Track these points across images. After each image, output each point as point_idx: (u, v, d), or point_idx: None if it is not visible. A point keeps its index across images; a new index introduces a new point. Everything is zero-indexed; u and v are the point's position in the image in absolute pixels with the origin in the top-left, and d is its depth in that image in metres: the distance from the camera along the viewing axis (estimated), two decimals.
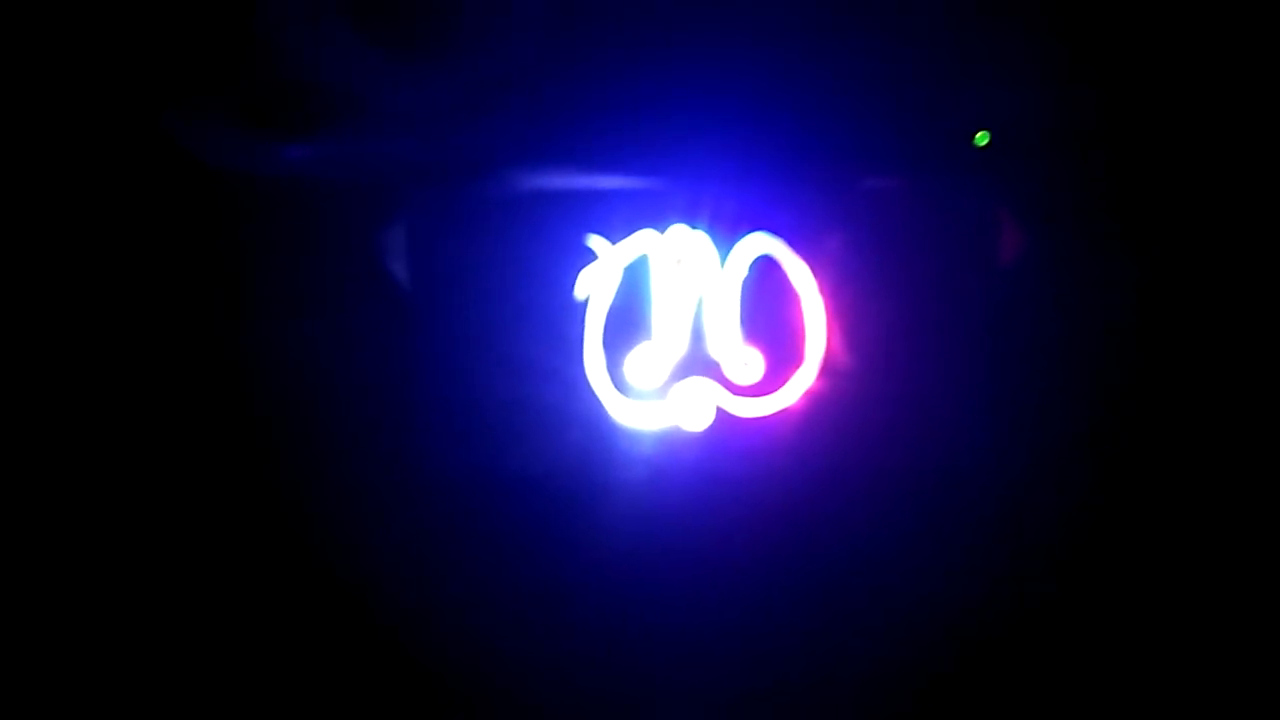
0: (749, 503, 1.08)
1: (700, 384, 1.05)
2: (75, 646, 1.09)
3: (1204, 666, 1.05)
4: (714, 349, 1.05)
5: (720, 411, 1.06)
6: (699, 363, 1.05)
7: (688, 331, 1.05)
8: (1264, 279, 1.05)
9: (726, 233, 1.04)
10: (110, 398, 1.09)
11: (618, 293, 1.05)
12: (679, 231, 1.04)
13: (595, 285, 1.05)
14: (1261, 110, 1.03)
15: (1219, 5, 1.01)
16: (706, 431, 1.06)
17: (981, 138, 1.05)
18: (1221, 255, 1.04)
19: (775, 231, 1.04)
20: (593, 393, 1.06)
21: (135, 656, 1.09)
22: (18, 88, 1.06)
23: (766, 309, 1.05)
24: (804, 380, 1.05)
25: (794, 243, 1.04)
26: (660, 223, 1.04)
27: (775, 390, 1.06)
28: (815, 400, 1.05)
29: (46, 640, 1.08)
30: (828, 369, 1.05)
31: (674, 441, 1.07)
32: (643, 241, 1.05)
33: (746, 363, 1.05)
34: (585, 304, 1.05)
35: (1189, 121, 1.03)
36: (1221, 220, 1.04)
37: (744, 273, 1.04)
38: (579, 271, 1.05)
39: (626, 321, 1.05)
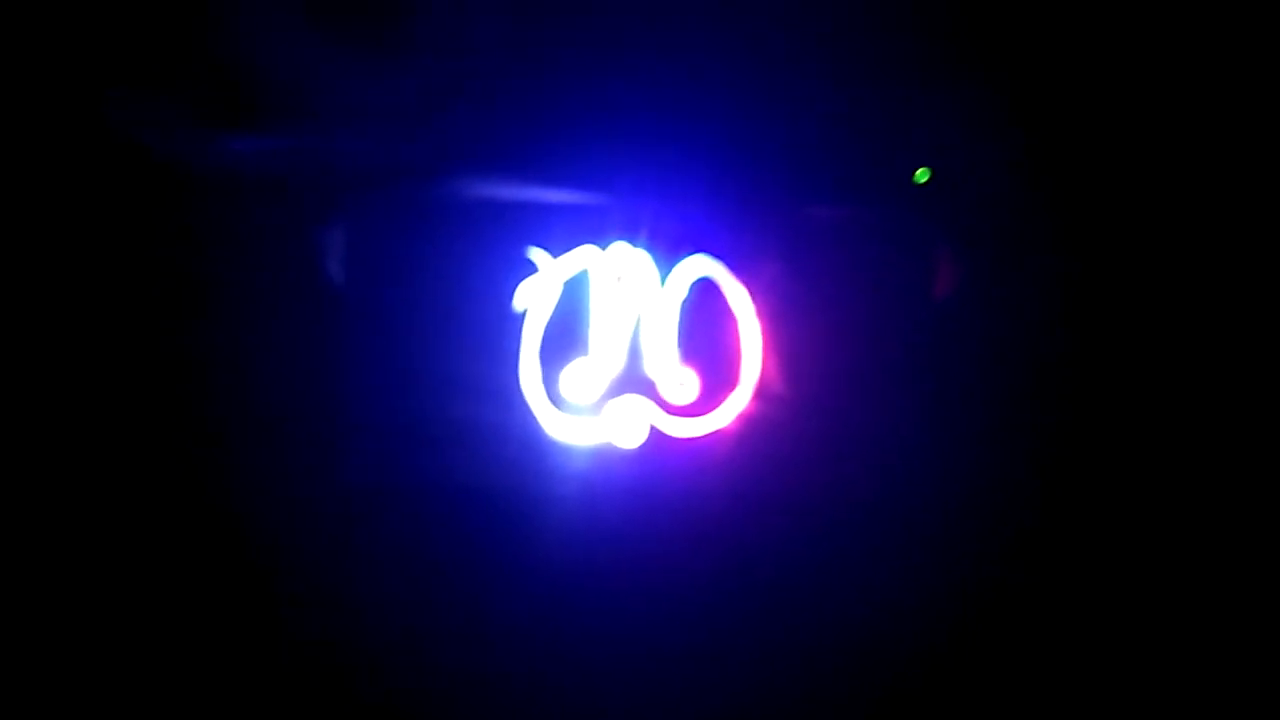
0: (680, 521, 1.08)
1: (635, 402, 1.06)
2: None
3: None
4: (650, 368, 1.05)
5: (654, 430, 1.06)
6: (634, 381, 1.06)
7: (625, 349, 1.05)
8: (1197, 314, 1.08)
9: (668, 253, 1.05)
10: (33, 387, 1.05)
11: (557, 306, 1.05)
12: (621, 249, 1.04)
13: (534, 298, 1.05)
14: (1192, 151, 1.06)
15: (1154, 50, 1.04)
16: (639, 449, 1.07)
17: (922, 175, 1.07)
18: (1154, 292, 1.08)
19: (716, 254, 1.05)
20: (527, 406, 1.06)
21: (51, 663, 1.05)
22: None
23: (704, 330, 1.05)
24: (738, 403, 1.06)
25: (734, 266, 1.05)
26: (602, 239, 1.04)
27: (709, 411, 1.06)
28: (748, 423, 1.06)
29: None
30: (762, 392, 1.06)
31: (607, 458, 1.07)
32: (584, 257, 1.04)
33: (682, 383, 1.05)
34: (523, 316, 1.05)
35: (1123, 161, 1.07)
36: (1154, 258, 1.07)
37: (683, 293, 1.05)
38: (519, 283, 1.05)
39: (564, 336, 1.05)
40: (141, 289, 1.06)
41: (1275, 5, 1.03)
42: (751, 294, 1.05)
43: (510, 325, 1.05)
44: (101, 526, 1.06)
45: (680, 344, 1.05)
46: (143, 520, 1.07)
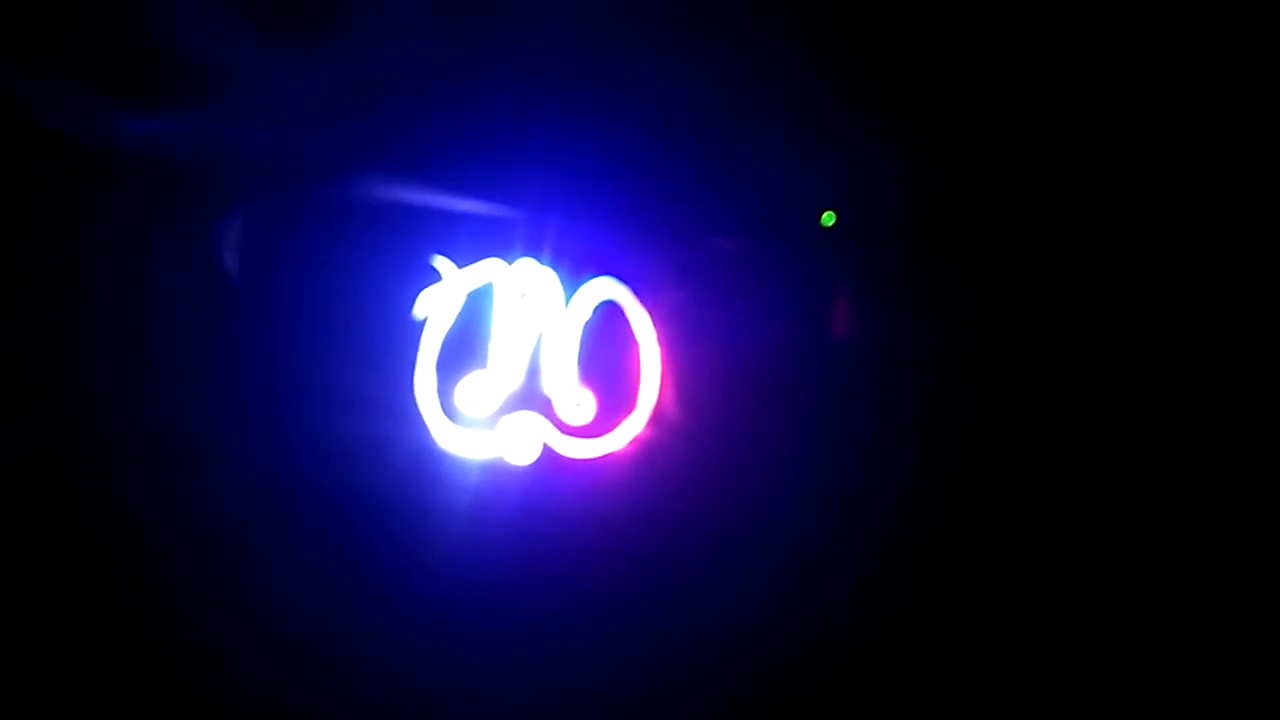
0: (567, 541, 1.08)
1: (530, 419, 1.05)
2: None
3: None
4: (548, 386, 1.05)
5: (547, 449, 1.06)
6: (531, 398, 1.05)
7: (524, 365, 1.05)
8: (1105, 357, 1.12)
9: (574, 272, 1.05)
10: None
11: (458, 317, 1.04)
12: (527, 265, 1.04)
13: (436, 306, 1.03)
14: (1104, 191, 1.11)
15: (1064, 85, 1.08)
16: (531, 467, 1.06)
17: (828, 218, 1.10)
18: (1057, 338, 1.12)
19: (622, 278, 1.05)
20: (420, 415, 1.04)
21: None
22: None
23: (604, 353, 1.05)
24: (633, 427, 1.06)
25: (639, 291, 1.05)
26: (510, 254, 1.04)
27: (604, 434, 1.06)
28: (642, 448, 1.07)
29: None
30: (658, 419, 1.07)
31: (498, 473, 1.06)
32: (490, 269, 1.04)
33: (578, 403, 1.05)
34: (423, 324, 1.03)
35: (1028, 206, 1.11)
36: (1058, 305, 1.11)
37: (586, 315, 1.05)
38: (421, 290, 1.03)
39: (463, 347, 1.04)
40: (16, 272, 1.02)
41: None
42: (654, 320, 1.05)
43: (409, 333, 1.03)
44: None
45: (580, 364, 1.05)
46: (23, 517, 1.02)
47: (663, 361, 1.06)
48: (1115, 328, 1.12)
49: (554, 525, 1.08)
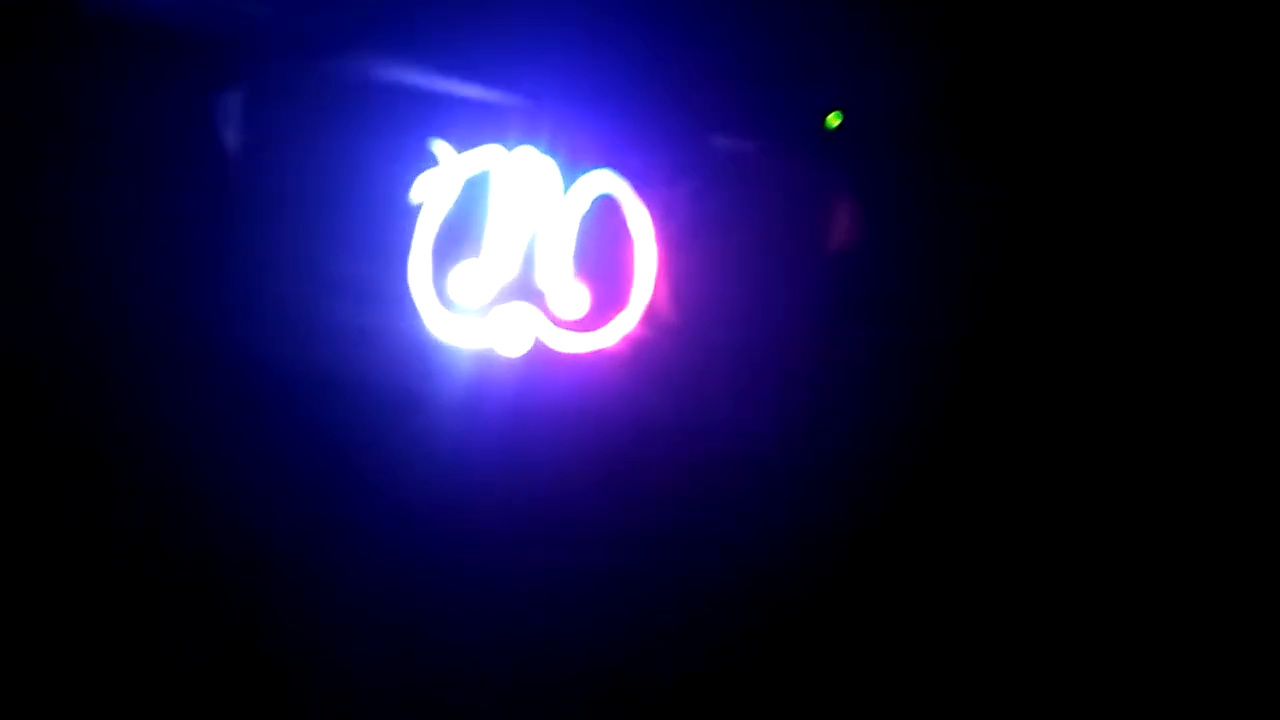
0: (554, 435, 1.08)
1: (523, 310, 1.05)
2: None
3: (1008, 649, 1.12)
4: (542, 278, 1.04)
5: (538, 342, 1.06)
6: (525, 289, 1.04)
7: (519, 256, 1.04)
8: (1113, 271, 1.11)
9: (573, 163, 1.03)
10: None
11: (454, 204, 1.03)
12: (527, 153, 1.02)
13: (432, 192, 1.02)
14: (1117, 96, 1.08)
15: None
16: (522, 359, 1.06)
17: (834, 119, 1.08)
18: (1065, 248, 1.10)
19: (622, 172, 1.03)
20: (413, 301, 1.04)
21: None
22: None
23: (600, 247, 1.04)
24: (625, 324, 1.06)
25: (638, 187, 1.04)
26: (509, 140, 1.02)
27: (595, 329, 1.06)
28: (633, 345, 1.06)
29: None
30: (650, 317, 1.06)
31: (488, 363, 1.06)
32: (488, 156, 1.02)
33: (572, 297, 1.05)
34: (419, 209, 1.02)
35: (1044, 111, 1.08)
36: (1066, 213, 1.10)
37: (584, 207, 1.04)
38: (418, 175, 1.02)
39: (458, 235, 1.03)
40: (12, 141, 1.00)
41: None
42: (652, 216, 1.04)
43: (405, 217, 1.02)
44: None
45: (575, 258, 1.04)
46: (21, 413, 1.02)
47: (658, 259, 1.05)
48: (1135, 238, 1.10)
49: (543, 419, 1.08)
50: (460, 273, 1.03)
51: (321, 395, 1.06)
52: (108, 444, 1.06)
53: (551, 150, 1.02)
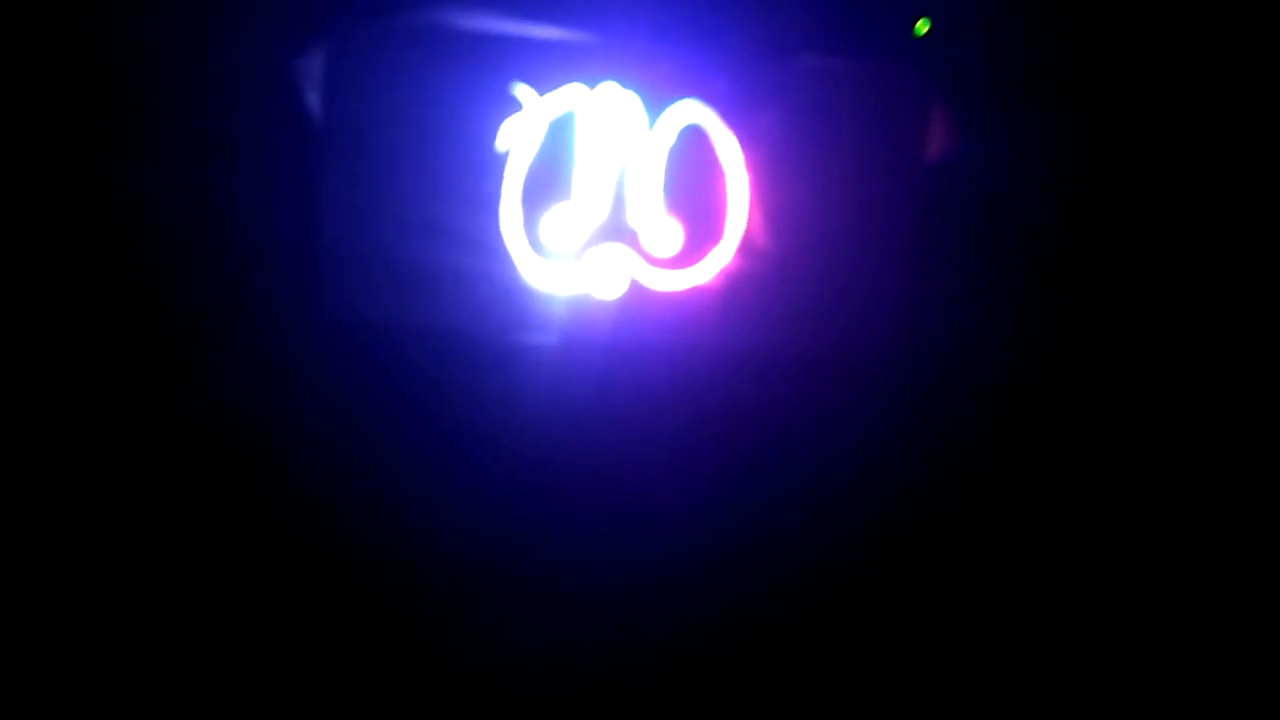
0: (655, 375, 1.07)
1: (617, 251, 1.03)
2: None
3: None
4: (633, 217, 1.03)
5: (634, 282, 1.04)
6: (617, 229, 1.03)
7: (609, 196, 1.02)
8: (1214, 176, 1.06)
9: (657, 96, 1.01)
10: None
11: (540, 148, 1.01)
12: (610, 89, 1.00)
13: (518, 138, 1.01)
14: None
15: None
16: (619, 301, 1.05)
17: (922, 26, 1.03)
18: (1167, 150, 1.05)
19: (708, 100, 1.01)
20: (505, 249, 1.03)
21: None
22: None
23: (691, 180, 1.02)
24: (722, 257, 1.04)
25: (725, 114, 1.01)
26: (591, 78, 1.00)
27: (691, 265, 1.04)
28: (730, 279, 1.04)
29: None
30: (747, 247, 1.04)
31: (585, 308, 1.05)
32: (571, 96, 1.00)
33: (665, 234, 1.03)
34: (505, 156, 1.01)
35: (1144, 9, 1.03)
36: (1167, 115, 1.05)
37: (671, 140, 1.01)
38: (502, 121, 1.00)
39: (547, 179, 1.02)
40: (101, 118, 1.01)
41: None
42: (741, 144, 1.02)
43: (493, 166, 1.01)
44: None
45: (666, 193, 1.02)
46: (112, 384, 1.04)
47: (750, 187, 1.03)
48: (1237, 165, 1.04)
49: (643, 359, 1.07)
50: (551, 217, 1.02)
51: (419, 349, 1.06)
52: (205, 410, 1.07)
53: (634, 84, 1.00)
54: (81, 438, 1.05)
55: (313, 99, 1.00)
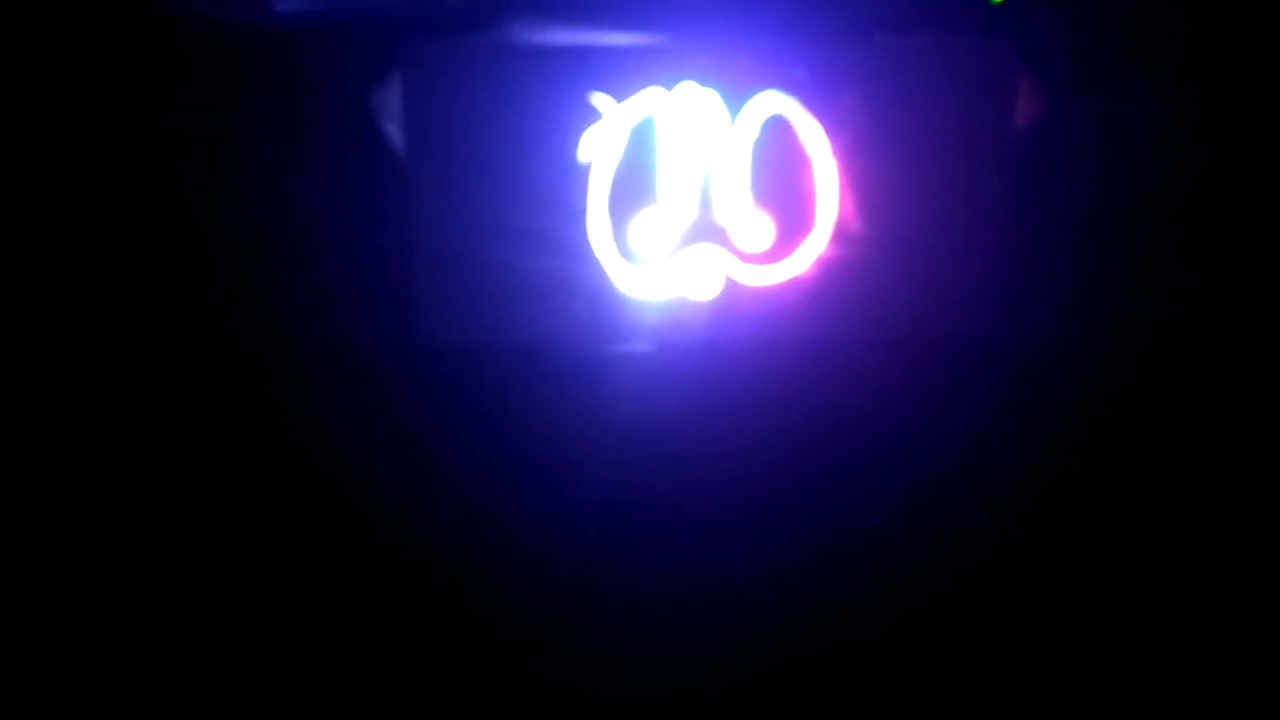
0: (759, 374, 1.06)
1: (708, 251, 1.02)
2: None
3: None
4: (722, 214, 1.01)
5: (729, 280, 1.03)
6: (707, 229, 1.02)
7: (696, 196, 1.01)
8: None
9: (737, 91, 0.99)
10: (80, 267, 1.03)
11: (623, 155, 1.00)
12: (688, 89, 0.99)
13: (599, 147, 1.00)
14: None
15: None
16: (714, 301, 1.03)
17: None
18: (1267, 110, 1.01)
19: (788, 89, 0.99)
20: (596, 260, 1.02)
21: None
22: None
23: (777, 172, 1.01)
24: (816, 246, 1.02)
25: (807, 101, 1.00)
26: (668, 80, 0.99)
27: (785, 257, 1.02)
28: (828, 267, 1.02)
29: None
30: (840, 234, 1.02)
31: (680, 311, 1.04)
32: (649, 100, 1.00)
33: (756, 228, 1.01)
34: (589, 167, 1.01)
35: None
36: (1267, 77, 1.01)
37: (755, 133, 1.00)
38: (582, 132, 1.00)
39: (632, 185, 1.01)
40: (196, 163, 1.03)
41: None
42: (826, 130, 1.00)
43: (576, 177, 1.01)
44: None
45: (753, 187, 1.01)
46: (199, 397, 1.06)
47: (839, 173, 1.01)
48: None
49: (744, 358, 1.05)
50: (639, 223, 1.01)
51: (516, 369, 1.06)
52: (300, 422, 1.07)
53: (712, 82, 0.99)
54: (174, 468, 1.06)
55: (391, 127, 1.01)
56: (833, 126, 1.00)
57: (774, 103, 1.00)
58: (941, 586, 1.08)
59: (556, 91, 0.99)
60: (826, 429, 1.07)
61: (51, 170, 1.00)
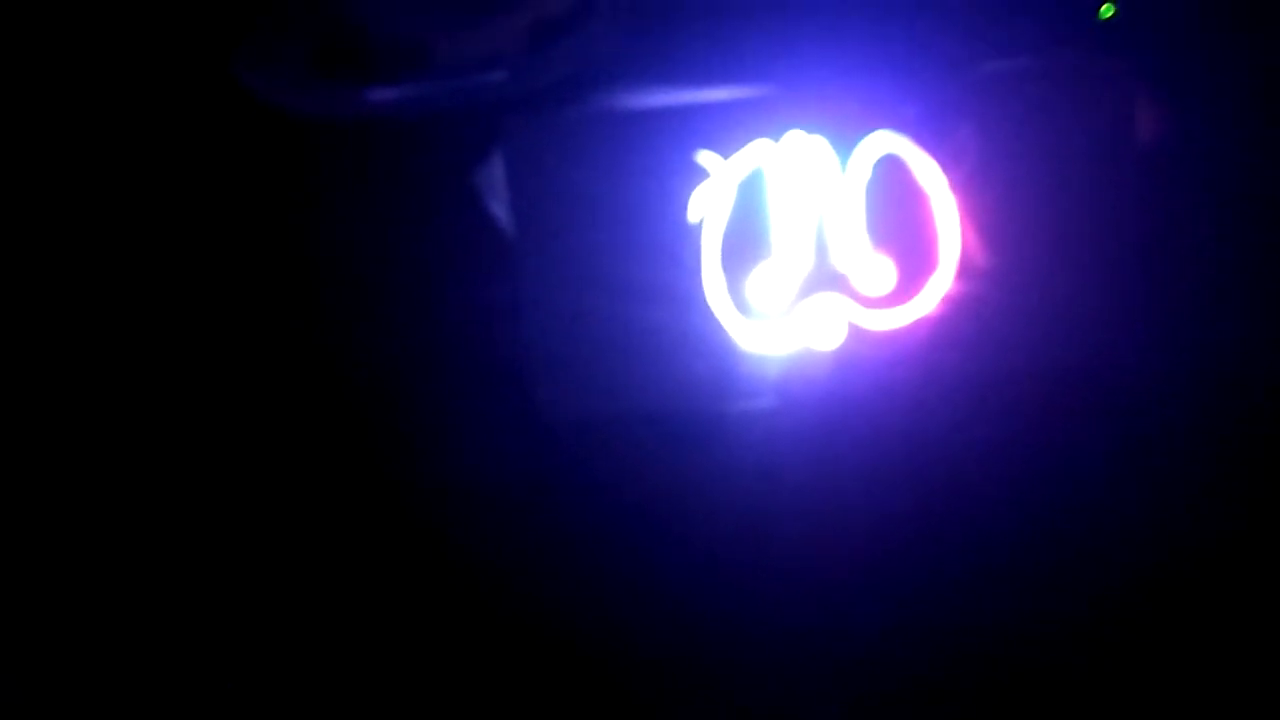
0: (889, 422, 1.02)
1: (829, 299, 0.99)
2: None
3: None
4: (840, 261, 0.99)
5: (852, 327, 1.00)
6: (826, 277, 0.99)
7: (812, 245, 0.99)
8: None
9: (846, 134, 0.97)
10: (189, 369, 1.04)
11: (734, 210, 0.99)
12: (795, 138, 0.98)
13: (710, 204, 0.99)
14: None
15: None
16: (838, 350, 1.00)
17: (1106, 10, 0.98)
18: None
19: (898, 128, 0.97)
20: (715, 318, 1.00)
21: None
22: (75, 31, 1.00)
23: (894, 213, 0.98)
24: (940, 285, 0.99)
25: (919, 138, 0.97)
26: (774, 131, 0.98)
27: (910, 299, 0.99)
28: (954, 305, 0.99)
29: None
30: (965, 271, 0.99)
31: (804, 363, 1.01)
32: (757, 153, 0.98)
33: (877, 272, 0.99)
34: (700, 226, 0.99)
35: None
36: None
37: (868, 175, 0.98)
38: (691, 191, 0.99)
39: (745, 240, 0.99)
40: (300, 253, 1.04)
41: None
42: (941, 165, 0.97)
43: (689, 236, 0.99)
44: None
45: (870, 231, 0.98)
46: (319, 487, 1.05)
47: (958, 207, 0.98)
48: None
49: (873, 406, 1.02)
50: (756, 277, 0.99)
51: (643, 437, 1.04)
52: (404, 507, 1.05)
53: (819, 128, 0.97)
54: (303, 552, 1.04)
55: (498, 198, 1.01)
56: (947, 161, 0.98)
57: (885, 142, 0.98)
58: (1115, 640, 1.01)
59: (661, 154, 0.98)
60: (966, 471, 1.02)
61: (175, 268, 1.02)
